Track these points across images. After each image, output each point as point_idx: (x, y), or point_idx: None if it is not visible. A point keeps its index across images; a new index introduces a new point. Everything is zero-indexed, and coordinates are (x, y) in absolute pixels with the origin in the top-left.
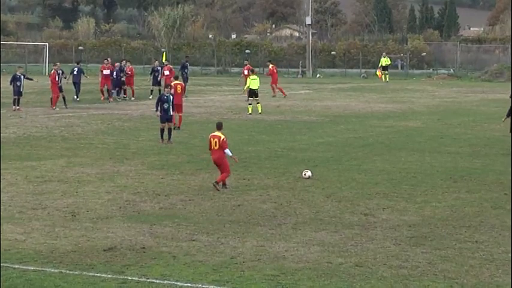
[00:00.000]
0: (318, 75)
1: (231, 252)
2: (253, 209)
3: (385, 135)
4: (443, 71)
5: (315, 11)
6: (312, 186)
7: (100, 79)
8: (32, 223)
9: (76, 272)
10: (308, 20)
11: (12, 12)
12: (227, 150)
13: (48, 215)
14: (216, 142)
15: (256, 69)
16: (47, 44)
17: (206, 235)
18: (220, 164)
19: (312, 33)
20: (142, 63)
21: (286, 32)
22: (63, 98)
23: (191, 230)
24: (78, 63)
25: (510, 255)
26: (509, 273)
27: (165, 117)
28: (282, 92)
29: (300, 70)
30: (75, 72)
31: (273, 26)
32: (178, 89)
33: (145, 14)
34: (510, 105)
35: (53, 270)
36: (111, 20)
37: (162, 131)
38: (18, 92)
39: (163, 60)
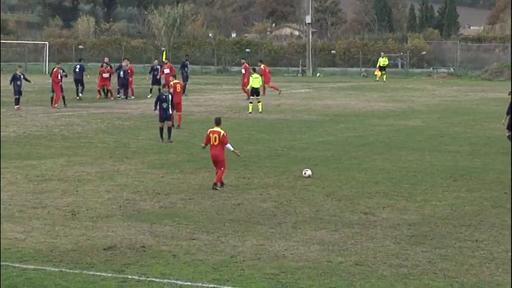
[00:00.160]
0: (318, 74)
1: (231, 251)
2: (253, 207)
3: (385, 134)
4: (443, 69)
5: (315, 9)
6: (312, 185)
7: (98, 81)
8: (32, 222)
9: (76, 271)
10: (308, 19)
11: (12, 11)
12: (228, 145)
13: (48, 213)
14: (215, 137)
15: (257, 68)
16: (47, 43)
17: (206, 234)
18: (219, 160)
19: (312, 32)
20: (142, 62)
21: (286, 30)
22: (63, 97)
23: (191, 229)
24: (80, 61)
25: (510, 254)
26: (509, 272)
27: (164, 116)
28: (274, 88)
29: (300, 69)
30: (77, 70)
31: (273, 24)
32: (177, 87)
33: (146, 12)
34: (509, 103)
35: (53, 269)
36: (111, 19)
37: (162, 130)
38: (18, 92)
39: (164, 59)
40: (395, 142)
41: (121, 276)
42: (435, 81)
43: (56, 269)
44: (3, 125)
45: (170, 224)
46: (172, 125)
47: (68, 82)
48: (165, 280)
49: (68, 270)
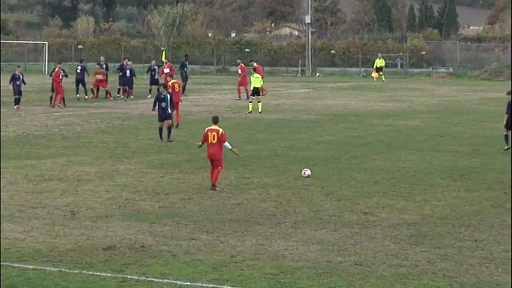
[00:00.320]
0: (317, 74)
1: (231, 251)
2: (253, 207)
3: (385, 134)
4: (442, 69)
5: (315, 9)
6: (312, 185)
7: (92, 80)
8: (31, 222)
9: (75, 271)
10: (307, 19)
11: (11, 11)
12: (226, 143)
13: (47, 213)
14: (214, 136)
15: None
16: (46, 42)
17: (206, 234)
18: (216, 159)
19: (312, 32)
20: (141, 62)
21: (286, 30)
22: (63, 97)
23: (191, 229)
24: (81, 62)
25: (510, 254)
26: (509, 272)
27: (164, 116)
28: (247, 92)
29: (299, 69)
30: (78, 71)
31: (273, 24)
32: (175, 87)
33: (145, 12)
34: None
35: (52, 269)
36: (111, 19)
37: (161, 130)
38: (18, 92)
39: (163, 59)
40: (394, 142)
41: (120, 276)
42: (435, 81)
43: (55, 269)
44: (3, 124)
45: (170, 224)
46: (172, 125)
47: (68, 82)
48: (165, 280)
49: (67, 270)
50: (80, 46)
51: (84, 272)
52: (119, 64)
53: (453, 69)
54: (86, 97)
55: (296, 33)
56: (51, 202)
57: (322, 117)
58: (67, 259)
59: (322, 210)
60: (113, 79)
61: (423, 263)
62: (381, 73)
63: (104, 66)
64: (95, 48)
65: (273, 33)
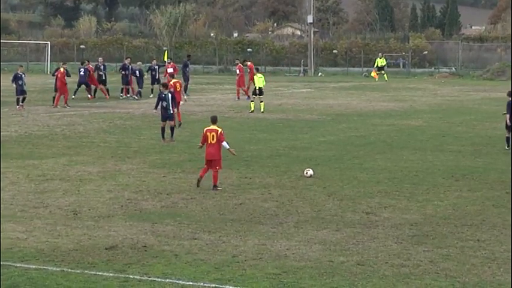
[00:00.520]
0: (319, 74)
1: (233, 250)
2: (255, 207)
3: (387, 134)
4: (445, 69)
5: (317, 9)
6: (314, 185)
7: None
8: (33, 222)
9: (78, 271)
10: (310, 19)
11: (14, 11)
12: (224, 143)
13: (49, 213)
14: (213, 136)
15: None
16: (48, 42)
17: (208, 233)
18: (215, 160)
19: (314, 32)
20: (144, 62)
21: (288, 30)
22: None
23: (193, 229)
24: (82, 64)
25: (511, 253)
26: (510, 272)
27: (166, 116)
28: (245, 92)
29: (301, 69)
30: (81, 73)
31: (275, 24)
32: (177, 86)
33: (147, 12)
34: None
35: (54, 268)
36: (113, 19)
37: (163, 129)
38: (21, 91)
39: (165, 59)
40: (397, 142)
41: (123, 276)
42: (437, 81)
43: (57, 269)
44: (5, 124)
45: (172, 224)
46: (175, 125)
47: (70, 82)
48: (167, 280)
49: (69, 270)
50: (82, 46)
51: (86, 271)
52: (120, 64)
53: (455, 69)
54: (89, 96)
55: (298, 33)
56: (53, 202)
57: (324, 117)
58: (69, 259)
59: (324, 210)
60: (115, 79)
61: (425, 262)
62: (382, 72)
63: (102, 66)
64: (97, 48)
65: (275, 33)
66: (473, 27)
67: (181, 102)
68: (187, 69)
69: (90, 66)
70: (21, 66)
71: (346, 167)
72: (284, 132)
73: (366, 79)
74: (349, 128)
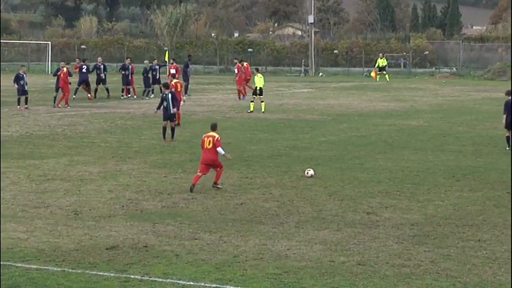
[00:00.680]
0: (320, 74)
1: (234, 250)
2: (256, 207)
3: (388, 134)
4: (445, 69)
5: (318, 9)
6: (315, 185)
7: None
8: (34, 222)
9: (78, 271)
10: (311, 19)
11: (15, 11)
12: (219, 149)
13: (50, 213)
14: (210, 141)
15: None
16: (49, 42)
17: (209, 233)
18: (212, 164)
19: (315, 32)
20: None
21: (289, 30)
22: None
23: (194, 229)
24: (83, 61)
25: (511, 253)
26: (510, 272)
27: (167, 116)
28: (244, 91)
29: (302, 69)
30: (83, 70)
31: (276, 24)
32: (178, 86)
33: (148, 12)
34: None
35: (55, 268)
36: (114, 19)
37: (164, 129)
38: (22, 91)
39: (166, 59)
40: (397, 142)
41: (123, 275)
42: (438, 81)
43: (58, 269)
44: (6, 124)
45: (173, 224)
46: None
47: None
48: (168, 280)
49: (70, 270)
50: (83, 46)
51: (87, 271)
52: (121, 64)
53: (456, 69)
54: (89, 96)
55: (299, 33)
56: (54, 202)
57: (325, 117)
58: (70, 259)
59: (325, 210)
60: (115, 79)
61: (426, 262)
62: (384, 72)
63: (102, 66)
64: (98, 48)
65: (276, 33)
66: (474, 27)
67: (181, 103)
68: (188, 69)
69: (68, 67)
70: (23, 66)
71: (347, 167)
72: (285, 132)
73: (367, 79)
74: (350, 128)
